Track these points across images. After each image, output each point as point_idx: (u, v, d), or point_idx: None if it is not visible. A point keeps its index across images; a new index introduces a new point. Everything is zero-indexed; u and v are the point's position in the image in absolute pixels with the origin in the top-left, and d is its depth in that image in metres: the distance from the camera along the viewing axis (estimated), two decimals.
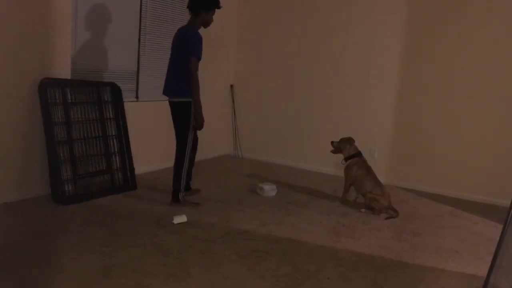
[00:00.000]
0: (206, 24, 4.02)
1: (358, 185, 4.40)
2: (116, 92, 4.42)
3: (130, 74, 4.86)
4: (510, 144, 4.82)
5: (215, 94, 6.21)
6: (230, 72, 6.43)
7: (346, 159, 4.49)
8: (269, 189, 4.63)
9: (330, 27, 5.73)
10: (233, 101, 6.44)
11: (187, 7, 3.97)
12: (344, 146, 4.50)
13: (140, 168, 4.52)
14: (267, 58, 6.21)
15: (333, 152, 4.59)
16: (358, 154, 4.47)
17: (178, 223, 3.59)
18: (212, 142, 6.25)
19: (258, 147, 6.33)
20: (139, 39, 4.87)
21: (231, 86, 6.41)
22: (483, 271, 2.75)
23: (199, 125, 3.91)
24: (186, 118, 3.90)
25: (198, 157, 5.93)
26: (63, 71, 4.10)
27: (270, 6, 6.13)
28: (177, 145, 3.99)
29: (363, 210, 4.31)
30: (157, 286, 2.61)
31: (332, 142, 4.58)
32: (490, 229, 4.11)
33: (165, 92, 4.01)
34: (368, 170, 4.40)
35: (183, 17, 5.47)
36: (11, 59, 3.70)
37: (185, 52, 3.80)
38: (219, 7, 4.02)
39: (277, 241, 3.45)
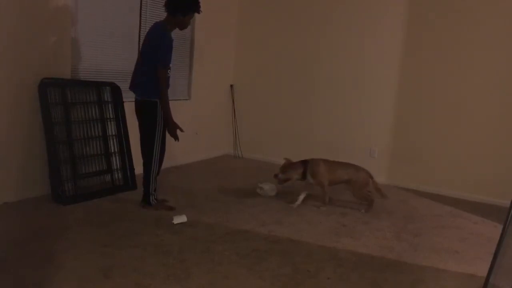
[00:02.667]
0: (182, 27, 3.84)
1: (336, 178, 4.32)
2: (116, 92, 4.42)
3: (130, 74, 4.84)
4: (510, 144, 4.82)
5: (215, 94, 6.21)
6: (230, 72, 6.43)
7: (303, 174, 4.28)
8: (269, 189, 4.63)
9: (329, 27, 5.73)
10: (233, 101, 6.44)
11: (164, 6, 3.77)
12: (290, 172, 4.29)
13: (140, 168, 4.50)
14: (267, 58, 6.21)
15: (282, 183, 4.36)
16: (307, 160, 4.35)
17: (178, 223, 3.59)
18: (212, 142, 6.25)
19: (258, 147, 6.33)
20: (139, 39, 4.87)
21: (231, 86, 6.41)
22: (483, 271, 2.75)
23: (172, 132, 3.76)
24: (152, 118, 3.75)
25: (199, 157, 5.98)
26: (63, 71, 4.10)
27: (270, 6, 6.13)
28: (144, 147, 3.88)
29: (363, 211, 4.31)
30: (157, 286, 2.61)
31: (276, 175, 4.34)
32: (490, 229, 4.11)
33: (132, 88, 3.87)
34: (332, 161, 4.38)
35: None
36: (11, 59, 3.69)
37: (154, 57, 3.65)
38: (198, 12, 3.82)
39: (277, 241, 3.45)
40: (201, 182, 4.94)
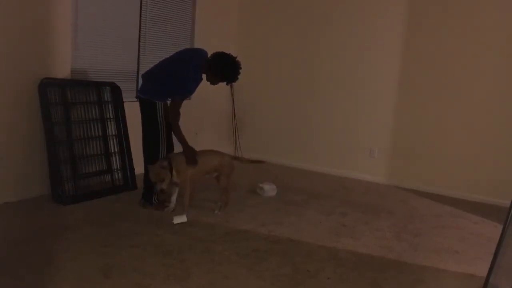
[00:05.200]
0: (209, 81, 3.81)
1: (203, 168, 3.87)
2: (116, 92, 4.42)
3: (130, 74, 4.86)
4: (510, 144, 4.82)
5: (215, 94, 6.20)
6: None
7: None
8: (269, 189, 4.63)
9: (329, 27, 5.72)
10: (233, 101, 6.42)
11: (211, 54, 3.74)
12: (167, 177, 3.66)
13: (140, 168, 4.51)
14: (267, 58, 6.20)
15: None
16: (168, 156, 3.80)
17: (178, 223, 3.59)
18: (212, 142, 6.25)
19: (258, 147, 6.32)
20: (139, 39, 4.87)
21: (231, 86, 6.39)
22: (483, 271, 2.75)
23: (190, 161, 3.71)
24: (153, 118, 3.75)
25: None
26: (63, 71, 4.11)
27: (270, 6, 6.13)
28: (148, 147, 3.86)
29: (217, 212, 3.98)
30: (157, 286, 2.61)
31: (162, 190, 3.67)
32: (490, 229, 4.11)
33: (142, 77, 3.90)
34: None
35: (184, 17, 5.49)
36: (11, 59, 3.70)
37: (174, 86, 3.66)
38: (227, 84, 3.81)
39: (277, 241, 3.45)
40: (201, 182, 4.93)
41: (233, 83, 3.91)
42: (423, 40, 5.20)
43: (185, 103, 5.49)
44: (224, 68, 3.69)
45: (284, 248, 3.32)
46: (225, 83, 3.81)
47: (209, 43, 5.85)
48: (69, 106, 4.04)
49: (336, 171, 5.73)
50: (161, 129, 3.79)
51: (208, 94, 6.00)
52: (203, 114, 5.88)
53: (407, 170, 5.41)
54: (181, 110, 3.84)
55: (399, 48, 5.33)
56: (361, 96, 5.60)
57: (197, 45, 5.66)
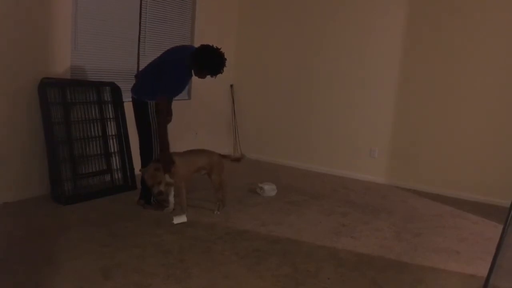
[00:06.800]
0: (197, 75, 3.77)
1: (193, 168, 3.87)
2: (116, 92, 4.42)
3: (130, 74, 4.85)
4: (510, 144, 4.82)
5: (215, 94, 6.21)
6: (230, 72, 6.41)
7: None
8: (269, 189, 4.62)
9: (330, 27, 5.73)
10: (233, 101, 6.43)
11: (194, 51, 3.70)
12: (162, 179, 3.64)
13: (139, 168, 4.52)
14: (267, 57, 6.20)
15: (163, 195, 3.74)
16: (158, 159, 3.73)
17: (178, 223, 3.59)
18: (212, 142, 6.25)
19: (258, 147, 6.33)
20: (139, 39, 4.87)
21: (231, 86, 6.41)
22: (483, 271, 2.76)
23: (166, 167, 3.60)
24: (145, 117, 3.75)
25: None
26: (63, 71, 4.10)
27: (270, 6, 6.13)
28: (143, 147, 3.86)
29: (217, 212, 3.95)
30: (157, 286, 2.61)
31: (160, 193, 3.65)
32: (490, 229, 4.11)
33: (135, 77, 3.90)
34: (181, 152, 3.86)
35: (183, 17, 5.49)
36: (11, 59, 3.69)
37: (166, 84, 3.66)
38: (212, 76, 3.70)
39: (277, 241, 3.45)
40: (201, 182, 4.93)
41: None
42: (424, 40, 5.20)
43: (185, 102, 5.53)
44: (209, 60, 3.67)
45: (284, 248, 3.32)
46: (211, 76, 3.75)
47: (209, 43, 5.86)
48: (69, 106, 4.04)
49: (336, 171, 5.73)
50: (153, 129, 3.80)
51: (208, 93, 6.02)
52: (203, 113, 5.88)
53: (407, 170, 5.41)
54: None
55: (399, 48, 5.33)
56: (361, 96, 5.60)
57: (197, 45, 5.66)
